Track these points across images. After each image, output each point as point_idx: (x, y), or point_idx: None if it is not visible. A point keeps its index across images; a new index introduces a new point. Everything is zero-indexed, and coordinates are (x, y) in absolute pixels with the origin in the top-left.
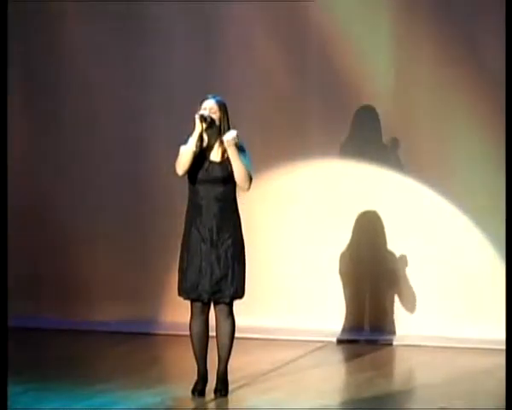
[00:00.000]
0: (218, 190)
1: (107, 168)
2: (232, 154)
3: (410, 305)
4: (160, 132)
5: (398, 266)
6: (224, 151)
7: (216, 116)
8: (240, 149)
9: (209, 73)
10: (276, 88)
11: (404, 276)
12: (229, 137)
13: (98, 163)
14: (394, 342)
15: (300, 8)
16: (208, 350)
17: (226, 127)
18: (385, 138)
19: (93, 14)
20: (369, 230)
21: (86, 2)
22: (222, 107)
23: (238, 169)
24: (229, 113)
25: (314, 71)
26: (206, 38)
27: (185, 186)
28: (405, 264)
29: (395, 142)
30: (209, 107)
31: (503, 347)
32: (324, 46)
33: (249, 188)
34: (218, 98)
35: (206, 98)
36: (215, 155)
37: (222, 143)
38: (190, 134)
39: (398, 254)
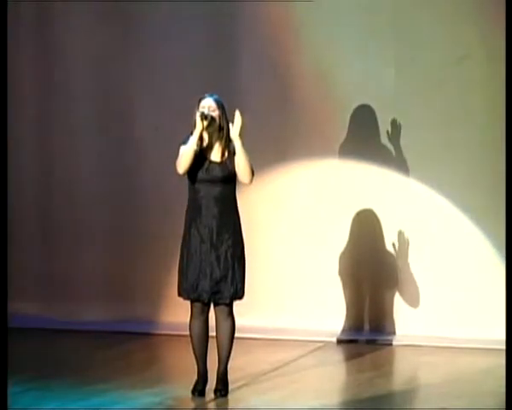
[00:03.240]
0: (218, 189)
1: (106, 168)
2: (238, 146)
3: (409, 305)
4: (159, 131)
5: (397, 266)
6: (224, 151)
7: (215, 114)
8: None
9: (208, 72)
10: (276, 87)
11: (404, 276)
12: (237, 125)
13: (98, 163)
14: (394, 342)
15: (298, 7)
16: (208, 350)
17: (225, 126)
18: (384, 138)
19: (91, 12)
20: (369, 230)
21: (86, 2)
22: (220, 105)
23: (242, 161)
24: (228, 112)
25: (313, 70)
26: (203, 36)
27: (185, 185)
28: (405, 264)
29: (395, 143)
30: (208, 105)
31: (503, 347)
32: (323, 45)
33: (251, 181)
34: (216, 97)
35: (204, 97)
36: (215, 155)
37: (222, 142)
38: (190, 133)
39: (398, 255)
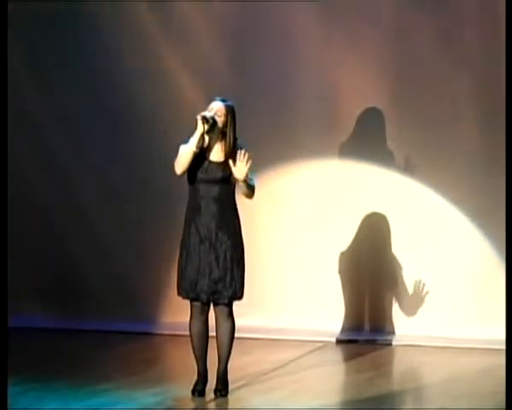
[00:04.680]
0: (218, 190)
1: (107, 168)
2: (243, 188)
3: (409, 305)
4: (158, 135)
5: (397, 267)
6: (227, 153)
7: (220, 119)
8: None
9: (209, 74)
10: (277, 89)
11: (404, 276)
12: (241, 174)
13: (98, 164)
14: (394, 342)
15: (299, 8)
16: (208, 350)
17: (232, 133)
18: (385, 139)
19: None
20: (368, 230)
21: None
22: (230, 111)
23: (245, 193)
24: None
25: (314, 72)
26: (205, 38)
27: (185, 186)
28: (405, 264)
29: (395, 143)
30: (216, 108)
31: (503, 347)
32: (324, 47)
33: (252, 198)
34: (228, 102)
35: (214, 99)
36: (215, 156)
37: (223, 144)
38: (191, 135)
39: (397, 255)
